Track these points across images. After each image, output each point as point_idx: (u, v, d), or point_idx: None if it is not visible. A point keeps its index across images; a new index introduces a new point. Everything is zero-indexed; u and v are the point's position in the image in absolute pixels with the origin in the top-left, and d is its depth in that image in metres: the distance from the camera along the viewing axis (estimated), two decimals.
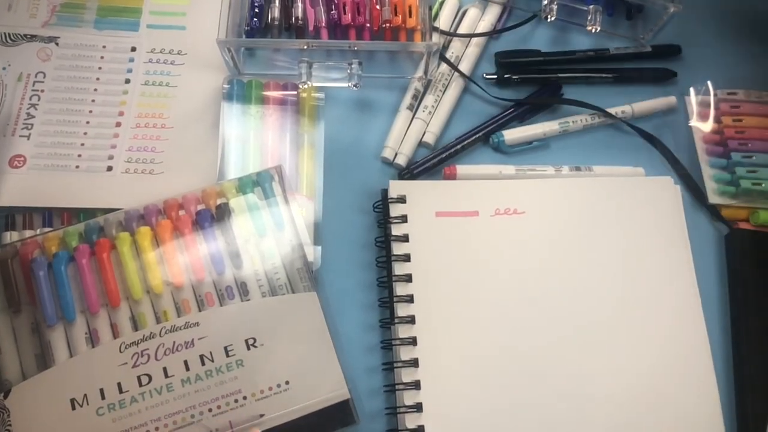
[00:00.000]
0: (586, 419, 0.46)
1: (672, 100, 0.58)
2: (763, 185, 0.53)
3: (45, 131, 0.54)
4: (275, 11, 0.57)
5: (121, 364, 0.43)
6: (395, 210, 0.51)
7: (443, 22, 0.60)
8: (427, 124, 0.56)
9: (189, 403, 0.43)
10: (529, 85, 0.59)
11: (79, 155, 0.53)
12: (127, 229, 0.47)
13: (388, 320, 0.48)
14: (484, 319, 0.48)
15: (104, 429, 0.42)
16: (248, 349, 0.44)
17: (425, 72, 0.57)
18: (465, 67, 0.58)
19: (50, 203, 0.51)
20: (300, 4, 0.57)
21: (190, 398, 0.43)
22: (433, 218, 0.51)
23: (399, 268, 0.49)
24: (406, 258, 0.50)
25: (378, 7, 0.56)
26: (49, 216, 0.51)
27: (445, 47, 0.60)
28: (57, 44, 0.57)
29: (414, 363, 0.46)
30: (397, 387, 0.46)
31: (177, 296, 0.46)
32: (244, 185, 0.50)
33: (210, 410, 0.43)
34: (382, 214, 0.52)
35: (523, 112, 0.57)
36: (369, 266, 0.51)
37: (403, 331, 0.47)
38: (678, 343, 0.49)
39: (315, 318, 0.46)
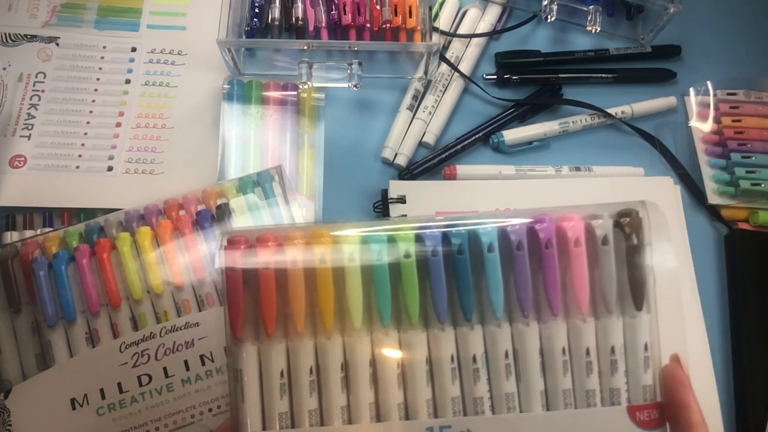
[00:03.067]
0: None
1: (672, 100, 0.58)
2: (763, 186, 0.54)
3: (45, 131, 0.54)
4: (275, 11, 0.57)
5: (122, 364, 0.43)
6: (395, 210, 0.52)
7: (443, 22, 0.60)
8: (427, 125, 0.56)
9: (189, 403, 0.43)
10: (529, 85, 0.59)
11: (80, 155, 0.53)
12: (128, 229, 0.47)
13: None
14: None
15: (104, 429, 0.42)
16: None
17: (425, 72, 0.57)
18: (465, 67, 0.58)
19: (51, 203, 0.51)
20: (300, 5, 0.57)
21: (191, 398, 0.43)
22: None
23: None
24: None
25: (378, 7, 0.56)
26: (49, 216, 0.51)
27: (445, 47, 0.60)
28: (57, 44, 0.57)
29: None
30: None
31: (177, 296, 0.46)
32: (245, 185, 0.50)
33: (210, 410, 0.43)
34: (382, 215, 0.52)
35: (523, 113, 0.57)
36: None
37: None
38: (677, 343, 0.49)
39: None
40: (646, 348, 0.34)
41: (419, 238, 0.34)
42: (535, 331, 0.34)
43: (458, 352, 0.34)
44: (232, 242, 0.33)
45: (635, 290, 0.34)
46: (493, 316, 0.34)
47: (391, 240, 0.34)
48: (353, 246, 0.34)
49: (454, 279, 0.34)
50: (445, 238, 0.34)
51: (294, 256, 0.33)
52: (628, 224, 0.34)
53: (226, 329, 0.33)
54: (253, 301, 0.33)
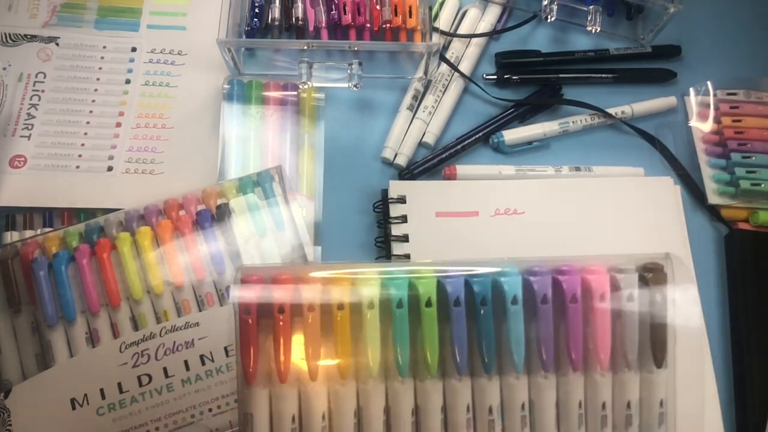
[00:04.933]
0: None
1: (672, 100, 0.58)
2: (763, 186, 0.53)
3: (45, 131, 0.54)
4: (275, 11, 0.57)
5: (122, 364, 0.43)
6: (395, 210, 0.52)
7: (443, 22, 0.60)
8: (427, 125, 0.56)
9: (189, 403, 0.43)
10: (529, 85, 0.59)
11: (80, 155, 0.53)
12: (128, 229, 0.47)
13: None
14: None
15: (104, 429, 0.42)
16: None
17: (425, 72, 0.57)
18: (465, 67, 0.58)
19: (51, 203, 0.51)
20: (300, 5, 0.57)
21: (191, 398, 0.43)
22: (433, 218, 0.51)
23: None
24: (407, 258, 0.50)
25: (378, 7, 0.56)
26: (49, 216, 0.51)
27: (445, 47, 0.60)
28: (57, 44, 0.57)
29: None
30: None
31: (177, 296, 0.46)
32: (245, 185, 0.50)
33: (210, 410, 0.43)
34: (382, 215, 0.52)
35: (523, 113, 0.57)
36: None
37: None
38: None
39: None
40: (661, 404, 0.34)
41: (441, 285, 0.33)
42: (553, 384, 0.34)
43: (474, 402, 0.34)
44: (247, 280, 0.32)
45: (656, 347, 0.34)
46: (513, 369, 0.34)
47: (412, 285, 0.33)
48: (372, 292, 0.33)
49: (474, 329, 0.33)
50: (468, 285, 0.33)
51: (311, 300, 0.32)
52: (652, 279, 0.34)
53: (238, 372, 0.33)
54: (266, 343, 0.33)
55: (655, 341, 0.34)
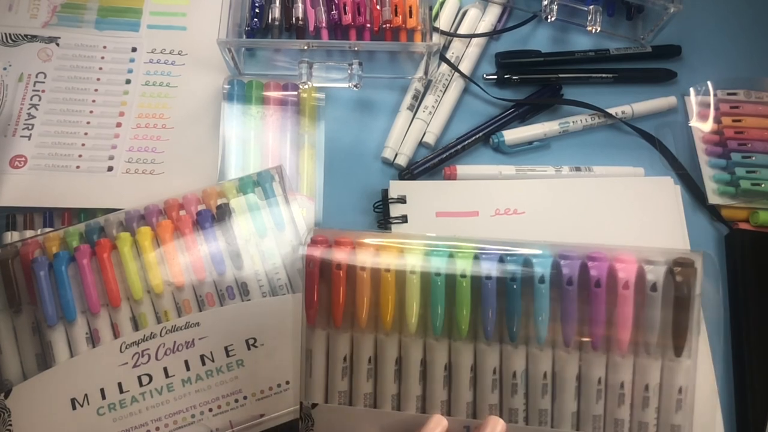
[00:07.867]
0: None
1: (672, 100, 0.58)
2: (763, 186, 0.53)
3: (46, 131, 0.54)
4: (276, 11, 0.57)
5: (122, 364, 0.43)
6: (395, 210, 0.52)
7: (443, 22, 0.60)
8: (428, 125, 0.56)
9: (189, 403, 0.43)
10: (530, 85, 0.59)
11: (80, 155, 0.53)
12: (128, 229, 0.47)
13: None
14: None
15: (105, 429, 0.42)
16: (249, 349, 0.44)
17: (425, 72, 0.57)
18: (465, 67, 0.59)
19: (51, 203, 0.51)
20: (300, 5, 0.57)
21: (191, 398, 0.43)
22: (434, 218, 0.51)
23: None
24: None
25: (378, 7, 0.56)
26: (49, 216, 0.51)
27: (446, 47, 0.60)
28: (58, 44, 0.57)
29: None
30: None
31: (177, 296, 0.46)
32: (245, 185, 0.50)
33: (210, 410, 0.43)
34: (382, 214, 0.52)
35: (523, 113, 0.57)
36: None
37: None
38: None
39: None
40: (680, 391, 0.36)
41: (477, 259, 0.37)
42: (575, 359, 0.37)
43: (501, 366, 0.38)
44: (315, 241, 0.38)
45: (677, 337, 0.36)
46: (536, 341, 0.37)
47: (451, 257, 0.37)
48: (416, 260, 0.37)
49: (504, 302, 0.37)
50: (501, 261, 0.37)
51: (363, 262, 0.37)
52: (680, 273, 0.36)
53: (302, 315, 0.38)
54: (327, 293, 0.38)
55: (676, 331, 0.36)
